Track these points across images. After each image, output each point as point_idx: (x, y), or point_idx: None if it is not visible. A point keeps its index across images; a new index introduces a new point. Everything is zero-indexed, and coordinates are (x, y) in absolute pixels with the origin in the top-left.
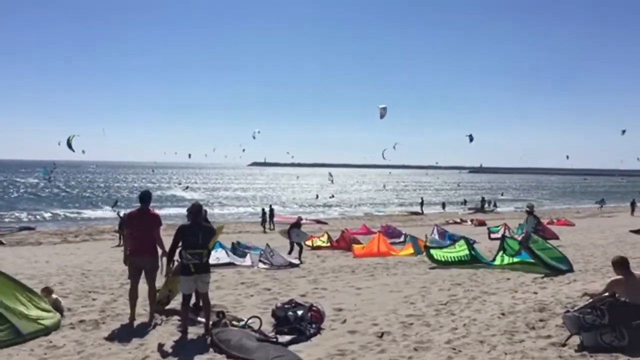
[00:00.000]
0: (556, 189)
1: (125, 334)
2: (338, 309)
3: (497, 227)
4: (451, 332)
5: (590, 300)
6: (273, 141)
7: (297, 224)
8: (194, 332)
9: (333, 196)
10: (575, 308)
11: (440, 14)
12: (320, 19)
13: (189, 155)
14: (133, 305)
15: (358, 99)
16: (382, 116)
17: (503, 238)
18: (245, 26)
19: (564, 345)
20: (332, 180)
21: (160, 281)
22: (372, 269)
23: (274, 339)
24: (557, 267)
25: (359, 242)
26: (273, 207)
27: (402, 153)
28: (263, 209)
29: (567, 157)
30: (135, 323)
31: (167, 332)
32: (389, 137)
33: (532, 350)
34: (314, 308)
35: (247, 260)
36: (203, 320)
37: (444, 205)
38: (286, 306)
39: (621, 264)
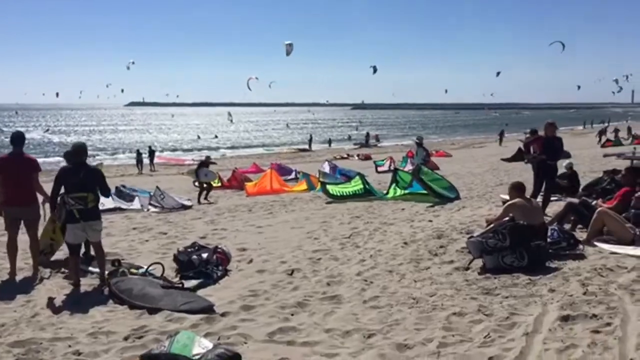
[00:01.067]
0: (432, 122)
1: (6, 291)
2: (242, 248)
3: (383, 160)
4: (359, 264)
5: (491, 225)
6: (152, 80)
7: (205, 163)
8: (87, 283)
9: (216, 136)
10: (477, 233)
11: None
12: None
13: (57, 95)
14: (13, 259)
15: (243, 34)
16: (288, 53)
17: (395, 171)
18: None
19: (467, 269)
20: (231, 120)
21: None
22: (269, 207)
23: (180, 285)
24: (447, 195)
25: (250, 181)
26: (153, 148)
27: (286, 91)
28: (138, 150)
29: (446, 91)
30: (17, 278)
31: (56, 286)
32: (273, 74)
33: (439, 276)
34: (219, 250)
35: (136, 204)
36: (96, 270)
37: (330, 141)
38: (189, 250)
39: (518, 188)
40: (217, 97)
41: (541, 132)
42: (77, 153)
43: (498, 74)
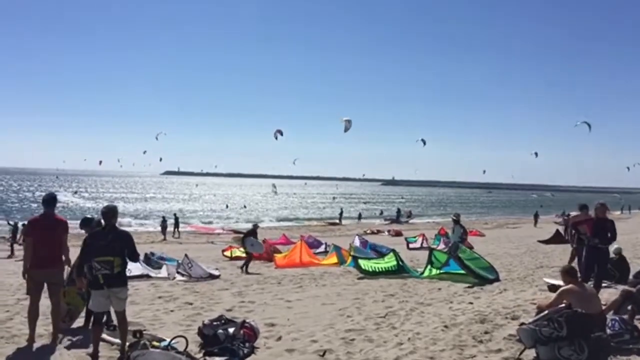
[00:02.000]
0: (464, 201)
1: (23, 358)
2: (270, 324)
3: (414, 237)
4: (397, 348)
5: (546, 312)
6: (190, 149)
7: (253, 232)
8: (106, 355)
9: (245, 206)
10: (530, 320)
11: (351, 18)
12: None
13: (100, 162)
14: (33, 325)
15: (278, 105)
16: (346, 129)
17: (431, 251)
18: (161, 28)
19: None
20: (275, 192)
21: None
22: (298, 280)
23: None
24: (486, 276)
25: (279, 252)
26: (178, 215)
27: (316, 164)
28: (163, 217)
29: (484, 171)
30: (35, 345)
31: (74, 356)
32: (296, 147)
33: None
34: (246, 324)
35: (163, 272)
36: (117, 341)
37: (360, 216)
38: (215, 323)
39: (571, 273)
40: (250, 168)
41: (591, 212)
42: (106, 215)
43: (536, 154)
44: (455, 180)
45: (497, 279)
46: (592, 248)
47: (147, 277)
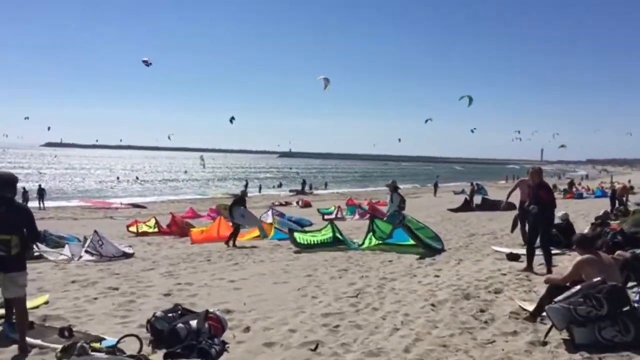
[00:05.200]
0: (362, 173)
1: None
2: (225, 310)
3: (328, 208)
4: (396, 334)
5: (578, 287)
6: (74, 121)
7: (241, 200)
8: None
9: (138, 178)
10: (561, 297)
11: None
12: None
13: None
14: None
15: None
16: (326, 86)
17: (372, 219)
18: None
19: (544, 343)
20: (203, 165)
21: None
22: (229, 256)
23: None
24: (434, 246)
25: (192, 227)
26: (43, 186)
27: (215, 136)
28: (24, 188)
29: (399, 140)
30: None
31: None
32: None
33: (518, 354)
34: (211, 314)
35: (66, 252)
36: (37, 342)
37: (260, 188)
38: (171, 315)
39: (584, 242)
40: (140, 141)
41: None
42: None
43: (427, 120)
44: (349, 153)
45: (443, 249)
46: (536, 213)
47: (45, 259)
